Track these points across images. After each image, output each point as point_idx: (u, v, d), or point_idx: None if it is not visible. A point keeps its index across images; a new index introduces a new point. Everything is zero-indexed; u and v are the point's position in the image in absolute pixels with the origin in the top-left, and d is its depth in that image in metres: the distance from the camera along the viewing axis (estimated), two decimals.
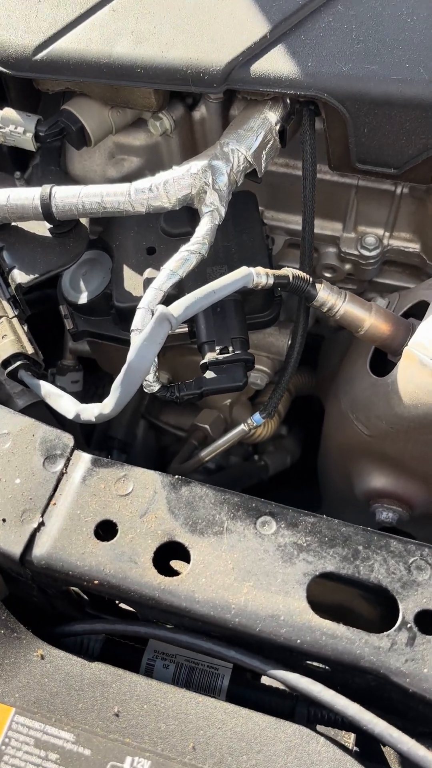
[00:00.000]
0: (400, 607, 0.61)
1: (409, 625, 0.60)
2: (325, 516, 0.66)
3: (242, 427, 0.98)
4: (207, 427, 1.09)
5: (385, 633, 0.60)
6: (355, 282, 1.16)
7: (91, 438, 1.30)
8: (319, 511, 1.34)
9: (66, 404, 0.82)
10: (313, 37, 0.82)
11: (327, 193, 1.03)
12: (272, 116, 0.87)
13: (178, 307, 0.74)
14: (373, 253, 1.06)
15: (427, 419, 0.83)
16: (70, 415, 0.81)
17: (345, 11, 0.82)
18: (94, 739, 0.61)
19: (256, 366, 1.08)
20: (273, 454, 1.35)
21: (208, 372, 0.86)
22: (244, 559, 0.64)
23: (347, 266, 1.12)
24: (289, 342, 0.97)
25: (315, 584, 0.64)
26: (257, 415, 0.97)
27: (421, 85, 0.78)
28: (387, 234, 1.06)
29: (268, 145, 0.88)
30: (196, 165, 0.85)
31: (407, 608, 0.61)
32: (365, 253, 1.06)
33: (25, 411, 0.85)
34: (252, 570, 0.64)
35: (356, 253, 1.07)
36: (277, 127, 0.88)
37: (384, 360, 0.93)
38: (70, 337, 1.16)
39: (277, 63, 0.82)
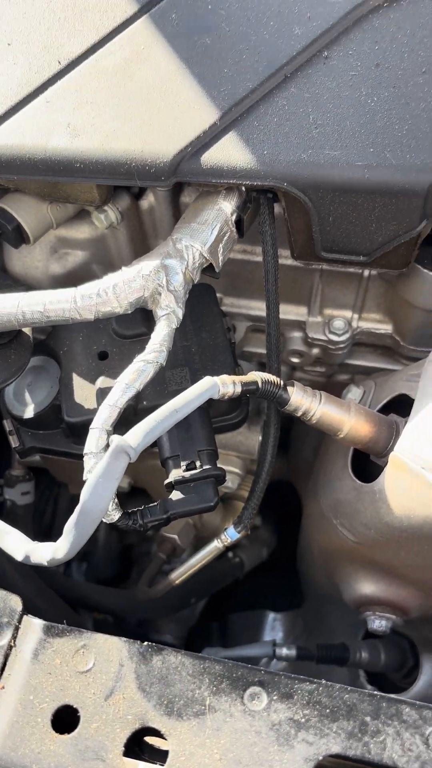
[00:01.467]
0: None
1: None
2: (323, 681, 0.56)
3: (215, 543, 0.88)
4: (175, 537, 0.99)
5: None
6: (325, 365, 1.09)
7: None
8: (302, 607, 1.24)
9: (14, 543, 0.71)
10: (267, 122, 0.75)
11: (289, 277, 0.96)
12: (227, 206, 0.80)
13: (136, 435, 0.65)
14: (343, 338, 0.99)
15: (422, 531, 0.75)
16: (18, 557, 0.70)
17: (300, 93, 0.76)
18: None
19: (227, 467, 0.99)
20: (248, 549, 1.25)
21: (174, 493, 0.76)
22: (232, 745, 0.54)
23: (315, 351, 1.04)
24: (261, 445, 0.88)
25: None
26: (232, 530, 0.87)
27: (389, 171, 0.72)
28: (356, 316, 0.99)
29: (225, 238, 0.81)
30: (147, 265, 0.77)
31: None
32: (334, 338, 0.99)
33: None
34: (243, 760, 0.53)
35: (324, 338, 0.99)
36: (233, 218, 0.81)
37: (364, 460, 0.85)
38: None
39: (230, 152, 0.75)
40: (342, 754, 0.53)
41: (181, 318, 0.77)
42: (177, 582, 0.90)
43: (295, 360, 1.07)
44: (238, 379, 0.74)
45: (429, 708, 0.56)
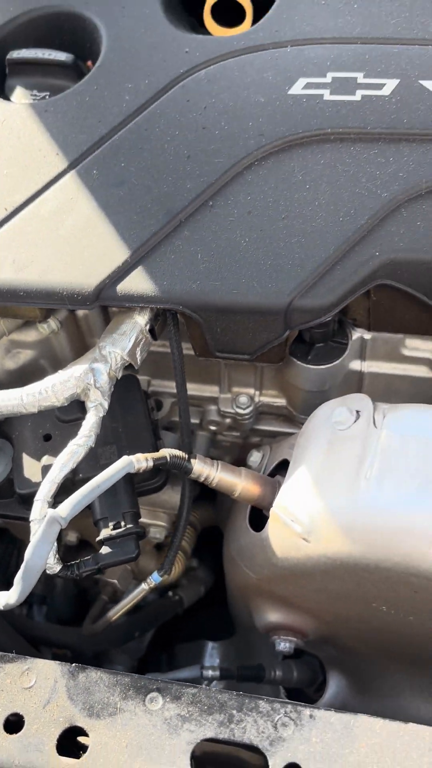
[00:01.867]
0: (270, 763, 0.72)
1: None
2: (204, 686, 0.77)
3: (143, 586, 1.09)
4: (116, 582, 1.19)
5: None
6: (238, 430, 1.31)
7: None
8: (234, 636, 1.44)
9: None
10: (166, 259, 0.98)
11: (202, 364, 1.18)
12: (141, 320, 1.02)
13: (65, 508, 0.86)
14: (247, 411, 1.21)
15: (297, 569, 0.96)
16: None
17: (191, 236, 1.00)
18: None
19: (154, 521, 1.20)
20: (187, 588, 1.45)
21: (103, 547, 0.97)
22: (136, 736, 0.74)
23: (227, 420, 1.26)
24: (179, 505, 1.10)
25: (201, 744, 0.75)
26: (155, 575, 1.08)
27: (256, 296, 0.95)
28: (257, 392, 1.22)
29: (141, 343, 1.03)
30: (78, 369, 0.99)
31: (275, 763, 0.72)
32: (240, 411, 1.21)
33: None
34: (143, 745, 0.74)
35: (232, 411, 1.22)
36: (147, 327, 1.03)
37: (262, 513, 1.07)
38: None
39: (139, 283, 0.97)
40: (214, 737, 0.74)
41: (107, 408, 0.99)
42: (113, 618, 1.11)
43: (213, 428, 1.29)
44: (150, 455, 0.95)
45: (278, 702, 0.77)
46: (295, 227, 0.98)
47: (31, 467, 1.05)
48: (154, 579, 1.08)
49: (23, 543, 1.37)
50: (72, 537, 1.26)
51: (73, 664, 0.79)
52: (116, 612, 1.10)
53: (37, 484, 0.97)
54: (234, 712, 0.75)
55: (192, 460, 0.99)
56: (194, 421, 1.30)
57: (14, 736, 0.74)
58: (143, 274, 0.98)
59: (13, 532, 1.24)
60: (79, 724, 0.75)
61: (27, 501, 1.04)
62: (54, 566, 0.95)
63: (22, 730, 0.75)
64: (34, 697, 0.77)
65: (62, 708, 0.76)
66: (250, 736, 0.74)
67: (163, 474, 1.10)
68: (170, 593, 1.43)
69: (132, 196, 1.03)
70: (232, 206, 1.01)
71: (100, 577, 1.22)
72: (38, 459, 1.05)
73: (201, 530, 1.46)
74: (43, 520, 0.85)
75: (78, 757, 0.73)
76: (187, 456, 0.99)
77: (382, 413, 0.94)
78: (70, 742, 0.76)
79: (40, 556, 0.84)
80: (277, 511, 0.96)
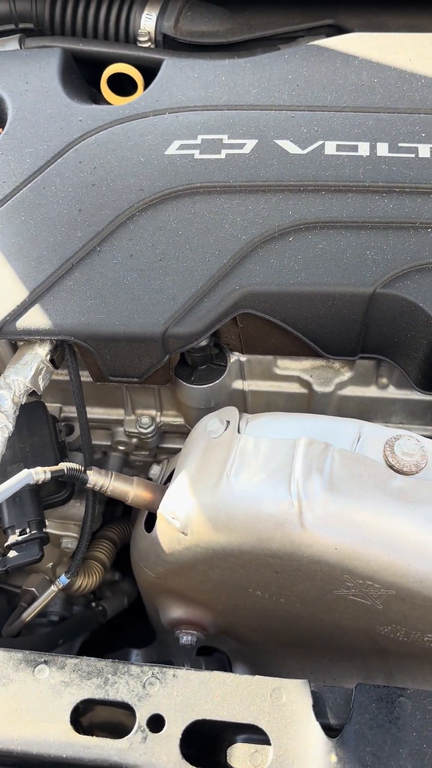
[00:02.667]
0: (137, 716, 0.85)
1: (142, 728, 0.84)
2: (85, 657, 0.91)
3: (52, 587, 1.22)
4: (33, 589, 1.32)
5: (125, 737, 0.84)
6: (144, 449, 1.46)
7: None
8: (154, 641, 1.57)
9: None
10: (59, 297, 1.14)
11: (107, 390, 1.33)
12: (41, 351, 1.17)
13: None
14: (149, 430, 1.36)
15: (182, 562, 1.11)
16: None
17: (81, 277, 1.15)
18: None
19: (66, 533, 1.34)
20: (110, 599, 1.57)
21: (10, 552, 1.11)
22: (24, 700, 0.87)
23: (134, 440, 1.41)
24: (83, 517, 1.23)
25: (89, 710, 0.88)
26: (63, 577, 1.21)
27: (135, 326, 1.10)
28: (158, 413, 1.37)
29: (43, 371, 1.17)
30: None
31: (141, 715, 0.85)
32: (143, 431, 1.36)
33: None
34: (30, 708, 0.86)
35: (136, 431, 1.37)
36: (47, 357, 1.18)
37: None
38: None
39: (36, 318, 1.13)
40: (91, 698, 0.87)
41: (11, 429, 1.12)
42: (27, 619, 1.23)
43: (122, 448, 1.43)
44: (48, 468, 1.09)
45: (147, 665, 0.90)
46: (169, 267, 1.14)
47: None
48: (62, 581, 1.21)
49: None
50: None
51: None
52: (30, 613, 1.23)
53: None
54: (110, 675, 0.89)
55: (87, 472, 1.14)
56: (106, 442, 1.44)
57: None
58: (39, 311, 1.13)
59: None
60: None
61: None
62: None
63: None
64: None
65: None
66: (122, 695, 0.87)
67: (68, 488, 1.24)
68: (93, 604, 1.55)
69: (31, 245, 1.19)
70: (116, 251, 1.17)
71: (21, 587, 1.34)
72: None
73: (122, 546, 1.59)
74: None
75: None
76: (83, 468, 1.14)
77: (246, 421, 1.10)
78: None
79: None
80: (161, 511, 1.11)
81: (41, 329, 1.12)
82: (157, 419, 1.37)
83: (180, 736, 0.84)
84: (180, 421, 1.38)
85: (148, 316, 1.11)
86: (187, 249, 1.16)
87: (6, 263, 1.18)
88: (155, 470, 1.31)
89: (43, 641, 1.41)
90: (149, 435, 1.37)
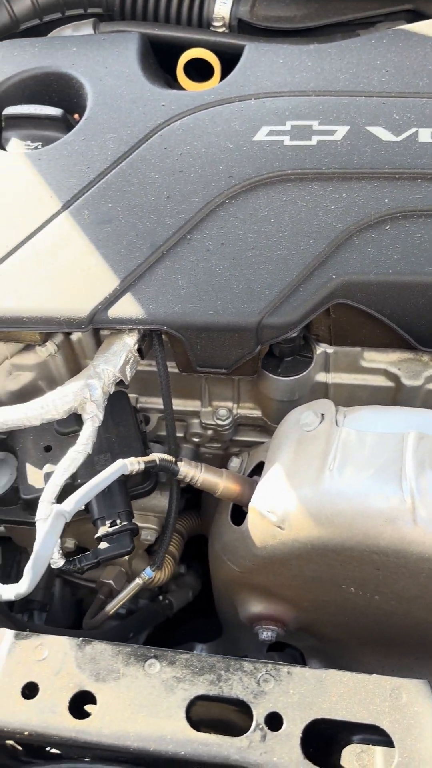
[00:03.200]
0: (254, 713, 0.84)
1: (261, 726, 0.83)
2: (195, 653, 0.89)
3: (137, 581, 1.20)
4: (111, 582, 1.30)
5: (244, 735, 0.82)
6: (219, 441, 1.44)
7: (14, 603, 1.48)
8: (221, 636, 1.55)
9: None
10: (151, 286, 1.12)
11: (185, 381, 1.31)
12: (130, 340, 1.15)
13: (69, 503, 0.98)
14: (226, 422, 1.34)
15: (275, 556, 1.08)
16: None
17: (172, 265, 1.13)
18: None
19: (145, 525, 1.32)
20: (176, 592, 1.55)
21: (102, 543, 1.09)
22: (137, 695, 0.85)
23: (209, 432, 1.39)
24: (167, 507, 1.22)
25: (197, 706, 0.86)
26: (148, 570, 1.19)
27: (230, 316, 1.09)
28: (235, 405, 1.35)
29: (130, 361, 1.16)
30: (76, 385, 1.11)
31: (259, 713, 0.84)
32: (220, 422, 1.34)
33: None
34: (144, 703, 0.85)
35: (213, 423, 1.34)
36: (135, 347, 1.16)
37: (242, 509, 1.19)
38: None
39: (127, 307, 1.11)
40: (205, 694, 0.85)
41: (102, 419, 1.11)
42: (111, 612, 1.22)
43: (196, 440, 1.41)
44: (141, 459, 1.08)
45: (260, 662, 0.88)
46: (262, 256, 1.12)
47: (34, 475, 1.16)
48: (147, 573, 1.19)
49: (25, 551, 1.48)
50: (70, 543, 1.37)
51: (80, 639, 0.90)
52: (114, 605, 1.21)
53: (41, 489, 1.09)
54: (222, 672, 0.87)
55: (179, 463, 1.12)
56: (179, 434, 1.42)
57: (31, 701, 0.85)
58: (131, 300, 1.11)
59: (15, 540, 1.35)
60: (88, 689, 0.86)
61: (31, 506, 1.16)
62: (58, 561, 1.06)
63: (37, 696, 0.85)
64: (46, 668, 0.88)
65: (72, 675, 0.87)
66: (237, 692, 0.85)
67: (152, 479, 1.23)
68: (160, 597, 1.53)
69: (119, 232, 1.17)
70: (207, 239, 1.15)
71: (97, 579, 1.33)
72: (40, 468, 1.17)
73: (188, 539, 1.57)
74: (50, 515, 0.96)
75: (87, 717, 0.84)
76: (174, 459, 1.12)
77: (343, 414, 1.07)
78: (81, 706, 0.86)
79: (47, 547, 0.95)
80: (254, 505, 1.09)
81: (133, 318, 1.10)
82: (234, 411, 1.35)
83: (300, 735, 0.82)
84: (257, 413, 1.35)
85: (243, 306, 1.09)
86: (279, 237, 1.13)
87: (94, 251, 1.16)
88: (235, 463, 1.28)
89: (115, 634, 1.39)
90: (226, 427, 1.35)
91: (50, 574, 1.46)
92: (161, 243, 1.15)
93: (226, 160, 1.21)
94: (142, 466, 1.07)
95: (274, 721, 0.83)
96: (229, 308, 1.09)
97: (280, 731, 0.82)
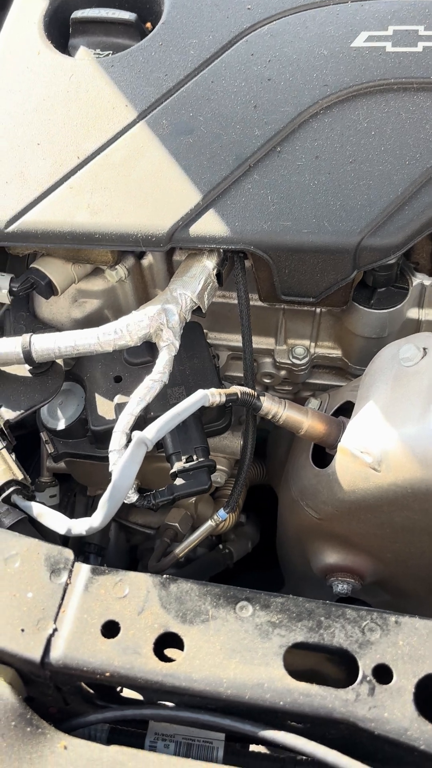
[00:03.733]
0: (360, 664, 0.75)
1: (368, 678, 0.74)
2: (291, 596, 0.81)
3: (210, 522, 1.12)
4: (177, 525, 1.22)
5: (350, 687, 0.74)
6: (291, 384, 1.34)
7: (67, 544, 1.41)
8: (282, 588, 1.48)
9: (57, 521, 0.95)
10: (237, 202, 1.02)
11: (260, 315, 1.22)
12: (210, 264, 1.06)
13: (151, 431, 0.89)
14: (303, 361, 1.24)
15: (364, 501, 0.99)
16: (62, 531, 0.94)
17: (261, 180, 1.03)
18: None
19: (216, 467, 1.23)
20: (235, 542, 1.48)
21: (177, 479, 1.01)
22: (228, 640, 0.77)
23: (282, 372, 1.30)
24: (242, 444, 1.13)
25: (289, 654, 0.78)
26: (222, 511, 1.11)
27: (326, 235, 0.98)
28: (313, 344, 1.25)
29: (209, 287, 1.06)
30: (152, 309, 1.02)
31: (365, 664, 0.75)
32: (296, 361, 1.24)
33: (12, 528, 0.97)
34: (236, 648, 0.77)
35: (288, 362, 1.25)
36: (215, 272, 1.06)
37: (323, 452, 1.10)
38: (47, 458, 1.29)
39: (211, 224, 1.01)
40: (304, 642, 0.77)
41: (178, 347, 1.02)
42: (180, 555, 1.14)
43: (267, 381, 1.32)
44: (222, 391, 0.99)
45: (364, 610, 0.80)
46: (362, 170, 1.01)
47: (103, 406, 1.08)
48: (221, 515, 1.11)
49: (82, 490, 1.41)
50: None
51: (164, 576, 0.82)
52: (183, 548, 1.13)
53: (111, 421, 1.00)
54: (322, 618, 0.79)
55: (261, 398, 1.02)
56: None
57: (112, 640, 0.78)
58: (215, 217, 1.01)
59: (75, 477, 1.28)
60: (174, 630, 0.78)
61: (100, 438, 1.08)
62: (131, 495, 0.98)
63: (119, 635, 0.78)
64: (128, 606, 0.80)
65: (156, 615, 0.79)
66: (339, 641, 0.77)
67: (227, 416, 1.14)
68: (220, 546, 1.46)
69: (201, 144, 1.06)
70: (299, 152, 1.04)
71: (162, 522, 1.25)
72: (110, 398, 1.09)
73: (250, 488, 1.49)
74: (130, 444, 0.88)
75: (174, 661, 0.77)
76: (256, 394, 1.02)
77: None
78: (165, 649, 0.79)
79: (127, 476, 0.87)
80: (345, 445, 0.99)
81: (217, 237, 1.00)
82: (312, 350, 1.26)
83: (413, 689, 0.73)
84: (336, 353, 1.25)
85: (341, 225, 0.98)
86: (382, 151, 1.02)
87: (174, 164, 1.06)
88: (314, 404, 1.19)
89: None
90: (302, 367, 1.25)
91: None
92: (248, 155, 1.04)
93: (320, 67, 1.09)
94: (223, 399, 0.98)
95: (382, 674, 0.75)
96: (325, 227, 0.98)
97: (389, 685, 0.74)
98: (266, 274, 1.05)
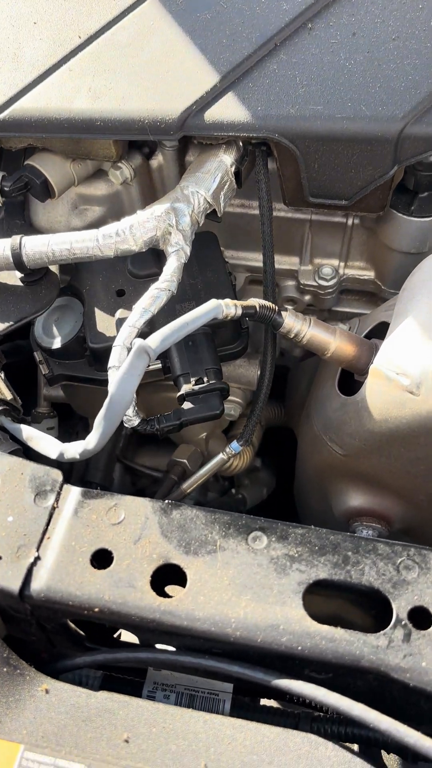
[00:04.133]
0: (393, 606, 0.64)
1: (403, 622, 0.63)
2: (313, 526, 0.69)
3: (221, 456, 1.00)
4: (185, 461, 1.11)
5: (381, 632, 0.63)
6: (316, 312, 1.21)
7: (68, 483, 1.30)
8: None
9: (48, 445, 0.83)
10: (260, 84, 0.88)
11: (282, 229, 1.08)
12: (227, 159, 0.92)
13: (155, 340, 0.77)
14: (331, 283, 1.11)
15: (398, 432, 0.87)
16: (53, 456, 0.82)
17: (288, 59, 0.89)
18: (106, 767, 0.61)
19: (229, 398, 1.11)
20: (249, 487, 1.37)
21: (185, 403, 0.89)
22: (239, 574, 0.66)
23: (307, 297, 1.17)
24: (259, 371, 1.01)
25: (309, 593, 0.66)
26: (235, 443, 0.99)
27: (364, 122, 0.85)
28: (342, 264, 1.12)
29: (226, 186, 0.93)
30: (159, 208, 0.89)
31: (400, 606, 0.64)
32: (323, 283, 1.11)
33: None
34: (248, 584, 0.65)
35: (314, 284, 1.12)
36: (233, 169, 0.93)
37: (350, 381, 0.98)
38: (44, 385, 1.18)
39: (229, 109, 0.87)
40: (328, 579, 0.65)
41: (188, 254, 0.89)
42: (188, 491, 1.03)
43: (289, 307, 1.19)
44: (239, 302, 0.86)
45: (398, 545, 0.68)
46: (407, 48, 0.87)
47: (104, 322, 0.96)
48: (234, 448, 0.99)
49: (80, 433, 1.30)
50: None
51: (166, 501, 0.71)
52: (191, 484, 1.02)
53: (112, 338, 0.88)
54: (349, 553, 0.67)
55: (283, 313, 0.90)
56: None
57: (103, 571, 0.67)
58: (234, 100, 0.88)
59: (75, 406, 1.16)
60: (175, 562, 0.67)
61: (99, 359, 0.96)
62: (132, 419, 0.87)
63: (112, 566, 0.67)
64: (123, 533, 0.69)
65: (155, 544, 0.68)
66: (370, 579, 0.65)
67: (243, 339, 1.01)
68: (233, 491, 1.34)
69: (220, 20, 0.93)
70: (333, 28, 0.90)
71: (170, 458, 1.14)
72: (111, 314, 0.96)
73: (266, 431, 1.37)
74: (132, 351, 0.76)
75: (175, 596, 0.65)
76: (277, 308, 0.90)
77: None
78: (163, 587, 0.68)
79: (126, 390, 0.75)
80: (379, 367, 0.87)
81: (236, 123, 0.87)
82: (341, 271, 1.12)
83: None
84: (368, 275, 1.12)
85: (381, 109, 0.85)
86: (430, 27, 0.87)
87: (188, 42, 0.92)
88: (344, 328, 1.06)
89: None
90: (329, 289, 1.12)
91: (111, 453, 1.28)
92: (274, 32, 0.90)
93: None
94: (239, 312, 0.85)
95: (420, 618, 0.63)
96: (363, 111, 0.85)
97: (429, 630, 0.63)
98: (292, 170, 0.91)
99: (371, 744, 0.71)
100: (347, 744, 0.67)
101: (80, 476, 1.30)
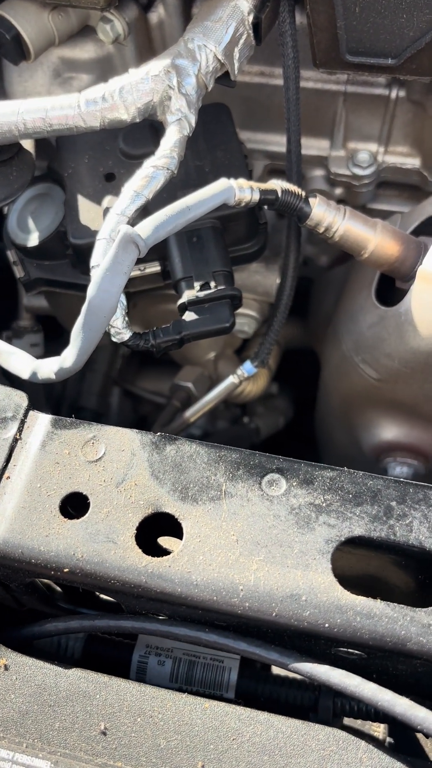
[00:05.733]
0: None
1: None
2: (346, 468, 0.53)
3: (231, 378, 0.85)
4: (190, 385, 0.96)
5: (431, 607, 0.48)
6: (351, 205, 1.02)
7: (59, 411, 1.16)
8: None
9: (19, 363, 0.68)
10: None
11: (311, 104, 0.89)
12: (244, 4, 0.73)
13: (145, 228, 0.60)
14: (367, 172, 0.92)
15: None
16: (25, 375, 0.67)
17: None
18: (77, 765, 0.48)
19: (242, 311, 0.95)
20: (264, 416, 1.22)
21: (187, 313, 0.72)
22: (250, 528, 0.51)
23: (338, 190, 0.98)
24: (279, 278, 0.84)
25: (340, 553, 0.52)
26: (248, 364, 0.84)
27: None
28: (381, 149, 0.93)
29: (241, 41, 0.73)
30: (156, 66, 0.70)
31: None
32: (358, 172, 0.92)
33: None
34: (261, 541, 0.51)
35: (348, 173, 0.93)
36: (250, 18, 0.73)
37: (390, 290, 0.81)
38: (24, 293, 1.02)
39: None
40: (365, 536, 0.51)
41: (193, 125, 0.71)
42: (192, 420, 0.88)
43: (318, 194, 1.00)
44: (256, 185, 0.68)
45: None
46: None
47: (89, 212, 0.79)
48: (246, 369, 0.84)
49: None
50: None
51: (158, 434, 0.56)
52: (196, 411, 0.87)
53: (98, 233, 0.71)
54: (393, 503, 0.52)
55: (311, 200, 0.72)
56: None
57: (76, 521, 0.52)
58: None
59: (60, 320, 1.00)
60: (168, 510, 0.52)
61: (84, 258, 0.79)
62: (122, 331, 0.71)
63: (87, 515, 0.52)
64: (102, 474, 0.54)
65: (143, 489, 0.53)
66: (419, 537, 0.50)
67: (261, 238, 0.84)
68: (246, 419, 1.19)
69: None
70: None
71: (173, 382, 0.98)
72: (98, 202, 0.79)
73: (285, 352, 1.21)
74: (116, 240, 0.59)
75: (166, 554, 0.51)
76: (304, 194, 0.72)
77: None
78: (154, 540, 0.53)
79: (109, 292, 0.58)
80: (430, 269, 0.69)
81: None
82: (380, 158, 0.93)
83: None
84: (413, 163, 0.93)
85: None
86: None
87: None
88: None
89: None
90: (366, 180, 0.93)
91: (107, 376, 1.12)
92: None
93: None
94: (256, 197, 0.68)
95: None
96: None
97: None
98: (326, 18, 0.72)
99: (406, 726, 0.58)
100: (373, 727, 0.54)
101: (73, 400, 1.15)
